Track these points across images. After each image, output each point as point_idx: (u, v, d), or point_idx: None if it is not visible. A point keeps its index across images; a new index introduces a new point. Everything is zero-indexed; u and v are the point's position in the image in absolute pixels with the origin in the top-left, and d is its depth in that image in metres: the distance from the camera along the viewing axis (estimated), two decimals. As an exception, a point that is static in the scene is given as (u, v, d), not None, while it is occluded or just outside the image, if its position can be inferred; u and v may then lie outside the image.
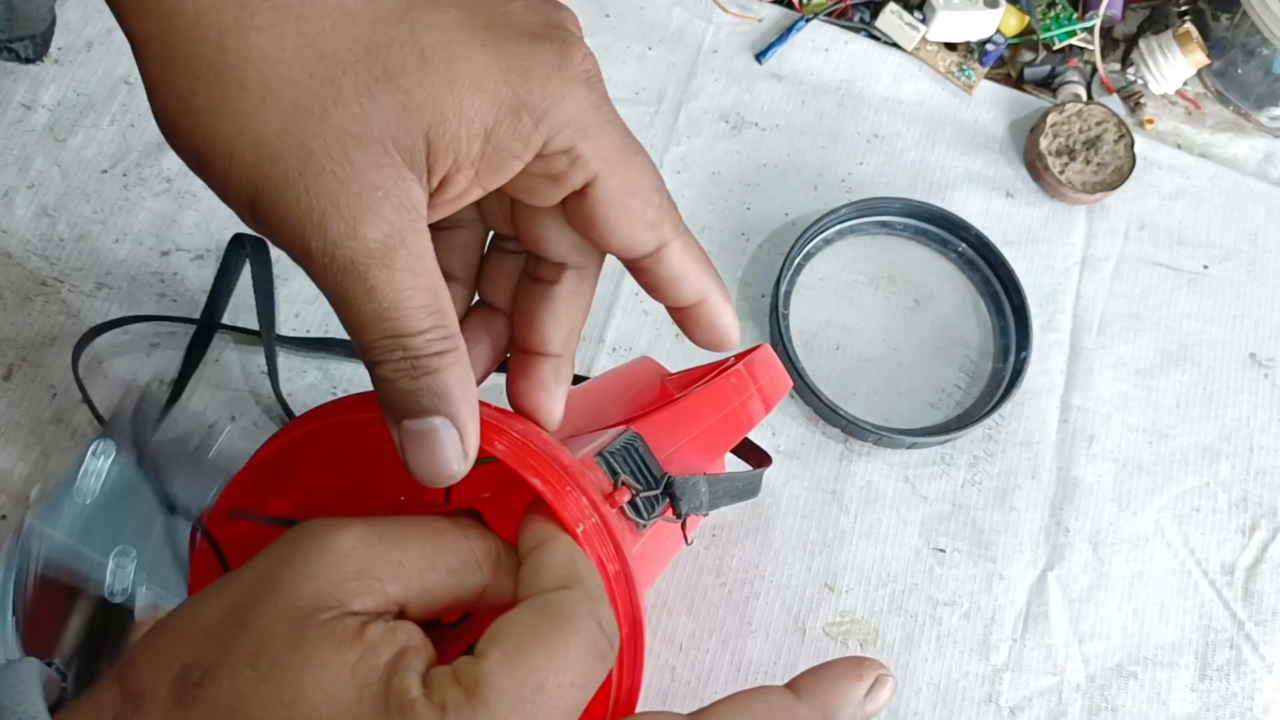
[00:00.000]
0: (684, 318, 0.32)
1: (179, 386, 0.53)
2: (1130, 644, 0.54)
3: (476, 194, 0.28)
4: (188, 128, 0.26)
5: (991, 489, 0.56)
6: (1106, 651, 0.54)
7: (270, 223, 0.26)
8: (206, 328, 0.54)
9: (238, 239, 0.55)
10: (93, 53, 0.60)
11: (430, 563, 0.26)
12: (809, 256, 0.60)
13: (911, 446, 0.56)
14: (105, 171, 0.58)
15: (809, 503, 0.55)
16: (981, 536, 0.55)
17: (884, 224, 0.61)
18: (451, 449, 0.27)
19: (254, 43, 0.24)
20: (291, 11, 0.25)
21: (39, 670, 0.25)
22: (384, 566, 0.25)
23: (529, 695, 0.23)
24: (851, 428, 0.55)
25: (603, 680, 0.26)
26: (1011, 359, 0.58)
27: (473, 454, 0.28)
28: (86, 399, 0.51)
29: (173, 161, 0.58)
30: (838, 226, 0.60)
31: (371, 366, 0.27)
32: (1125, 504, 0.57)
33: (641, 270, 0.31)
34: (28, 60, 0.58)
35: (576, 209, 0.29)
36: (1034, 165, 0.63)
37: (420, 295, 0.26)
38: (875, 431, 0.55)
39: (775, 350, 0.56)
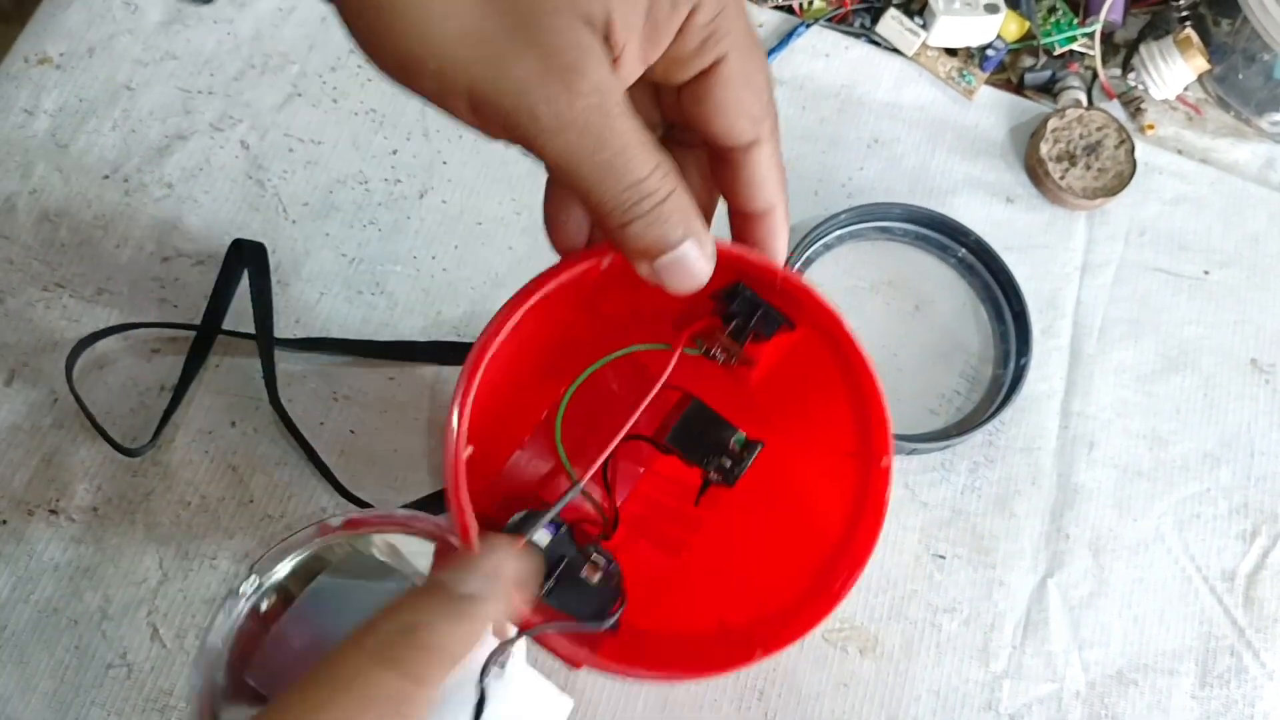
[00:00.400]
0: (745, 227, 0.33)
1: (179, 392, 0.53)
2: (1130, 651, 0.54)
3: (638, 69, 0.30)
4: (395, 43, 0.27)
5: (991, 495, 0.56)
6: (1107, 658, 0.54)
7: (492, 106, 0.27)
8: (206, 333, 0.54)
9: (236, 244, 0.55)
10: (94, 58, 0.60)
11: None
12: (809, 262, 0.60)
13: (911, 452, 0.56)
14: (107, 177, 0.58)
15: (809, 508, 0.55)
16: (981, 543, 0.55)
17: (884, 229, 0.61)
18: (700, 260, 0.30)
19: None
20: None
21: None
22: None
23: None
24: None
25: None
26: (1011, 365, 0.58)
27: (713, 253, 0.31)
28: (82, 407, 0.51)
29: (174, 166, 0.58)
30: (838, 232, 0.60)
31: (621, 228, 0.29)
32: (1126, 510, 0.57)
33: (728, 164, 0.32)
34: (203, 1, 0.59)
35: (692, 91, 0.31)
36: (1034, 171, 0.63)
37: (640, 134, 0.28)
38: None
39: None
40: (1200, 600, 0.55)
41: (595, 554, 0.36)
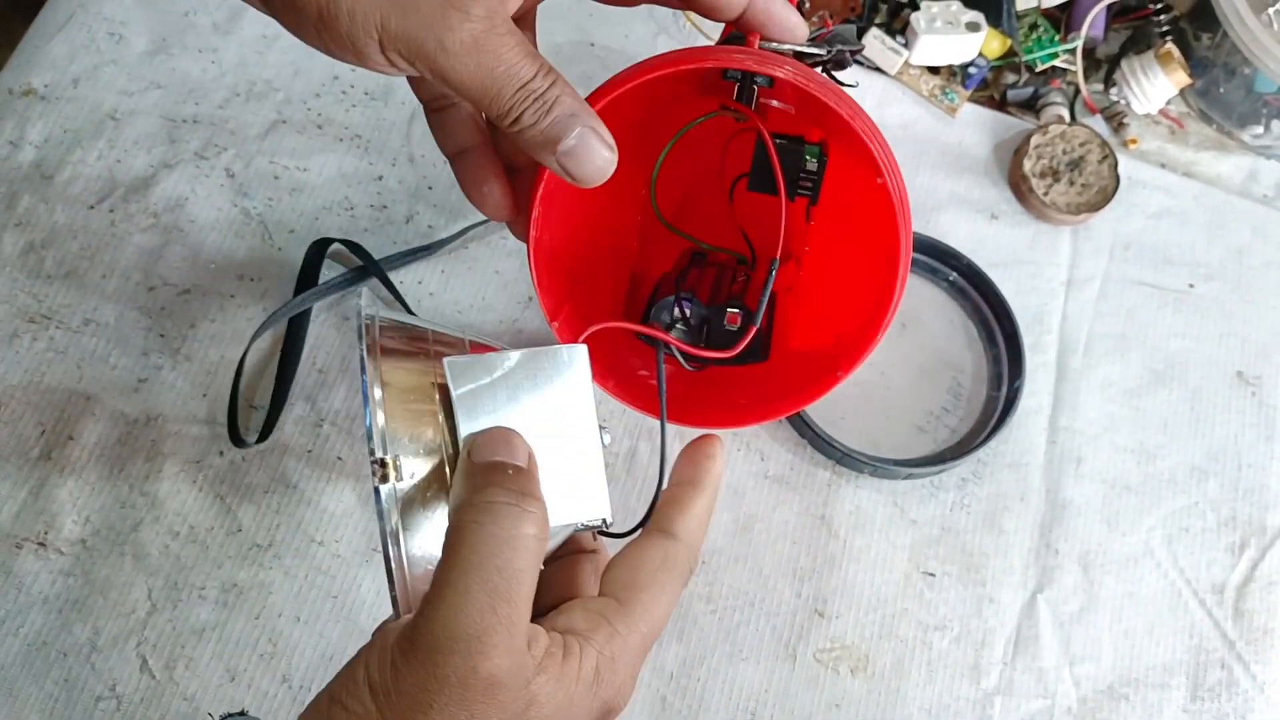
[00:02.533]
0: (752, 24, 0.39)
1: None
2: (1121, 665, 0.54)
3: None
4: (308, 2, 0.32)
5: (980, 512, 0.56)
6: (1098, 673, 0.54)
7: (403, 40, 0.32)
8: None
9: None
10: (79, 89, 0.60)
11: None
12: None
13: (907, 478, 0.56)
14: (92, 207, 0.58)
15: (798, 528, 0.55)
16: (971, 560, 0.55)
17: None
18: (598, 147, 0.35)
19: None
20: None
21: None
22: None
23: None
24: (847, 460, 0.55)
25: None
26: (1004, 388, 0.58)
27: (613, 143, 0.35)
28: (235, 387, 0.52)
29: (160, 195, 0.58)
30: None
31: (515, 124, 0.34)
32: (1114, 525, 0.57)
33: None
34: None
35: None
36: (1018, 187, 0.63)
37: (524, 45, 0.33)
38: (871, 463, 0.55)
39: None
40: (1190, 614, 0.55)
41: (730, 306, 0.46)
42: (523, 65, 0.33)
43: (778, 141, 0.45)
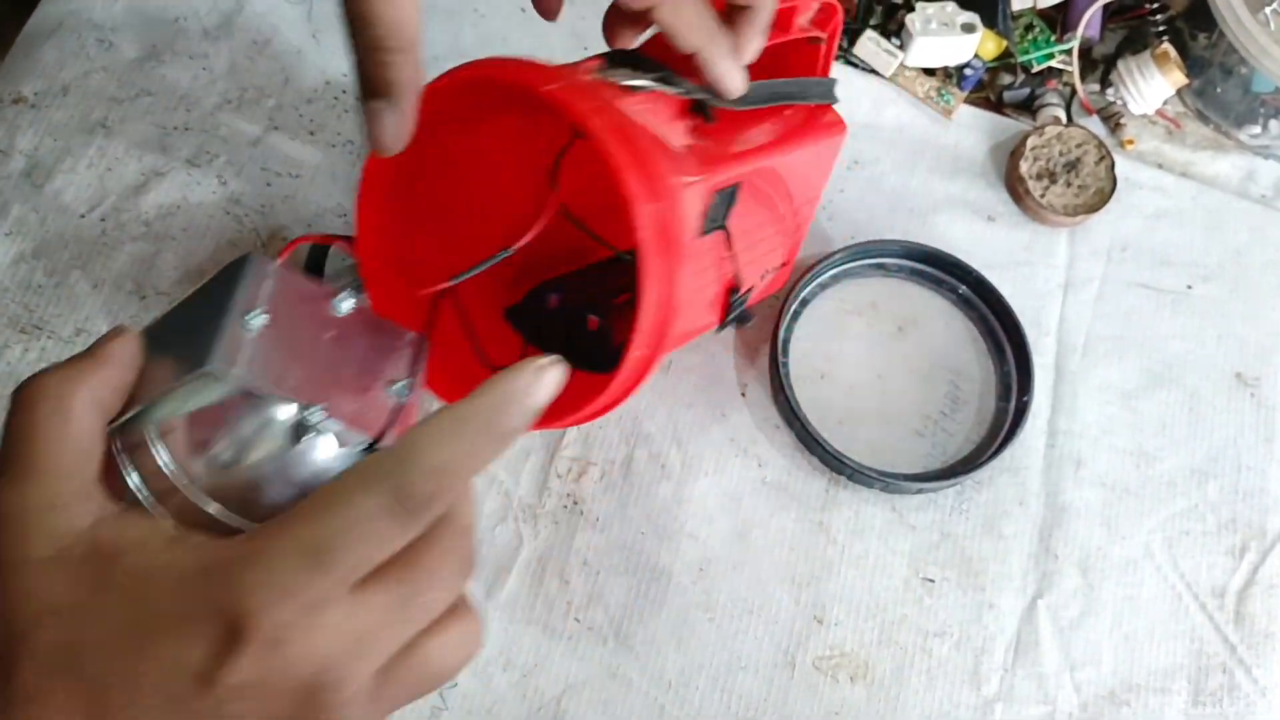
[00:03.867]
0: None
1: None
2: (1122, 670, 0.54)
3: None
4: None
5: (979, 517, 0.56)
6: (1098, 679, 0.53)
7: None
8: None
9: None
10: (69, 97, 0.60)
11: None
12: (805, 302, 0.60)
13: (919, 492, 0.56)
14: (83, 216, 0.57)
15: (796, 534, 0.55)
16: (970, 565, 0.55)
17: (880, 266, 0.61)
18: (395, 125, 0.35)
19: None
20: None
21: None
22: None
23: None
24: (858, 476, 0.55)
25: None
26: (1013, 400, 0.58)
27: (408, 132, 0.36)
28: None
29: (151, 204, 0.58)
30: (833, 271, 0.60)
31: (354, 48, 0.35)
32: (1114, 528, 0.56)
33: (650, 24, 0.42)
34: None
35: None
36: (1015, 189, 0.63)
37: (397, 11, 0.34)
38: (881, 479, 0.55)
39: (776, 399, 0.56)
40: (1191, 618, 0.55)
41: (592, 311, 0.47)
42: (399, 18, 0.34)
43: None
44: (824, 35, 0.50)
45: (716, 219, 0.45)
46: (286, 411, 0.33)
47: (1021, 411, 0.57)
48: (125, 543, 0.29)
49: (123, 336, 0.33)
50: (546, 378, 0.30)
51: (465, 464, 0.29)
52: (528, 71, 0.40)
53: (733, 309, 0.49)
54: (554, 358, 0.30)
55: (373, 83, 0.35)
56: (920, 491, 0.56)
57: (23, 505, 0.29)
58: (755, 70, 0.45)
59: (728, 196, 0.45)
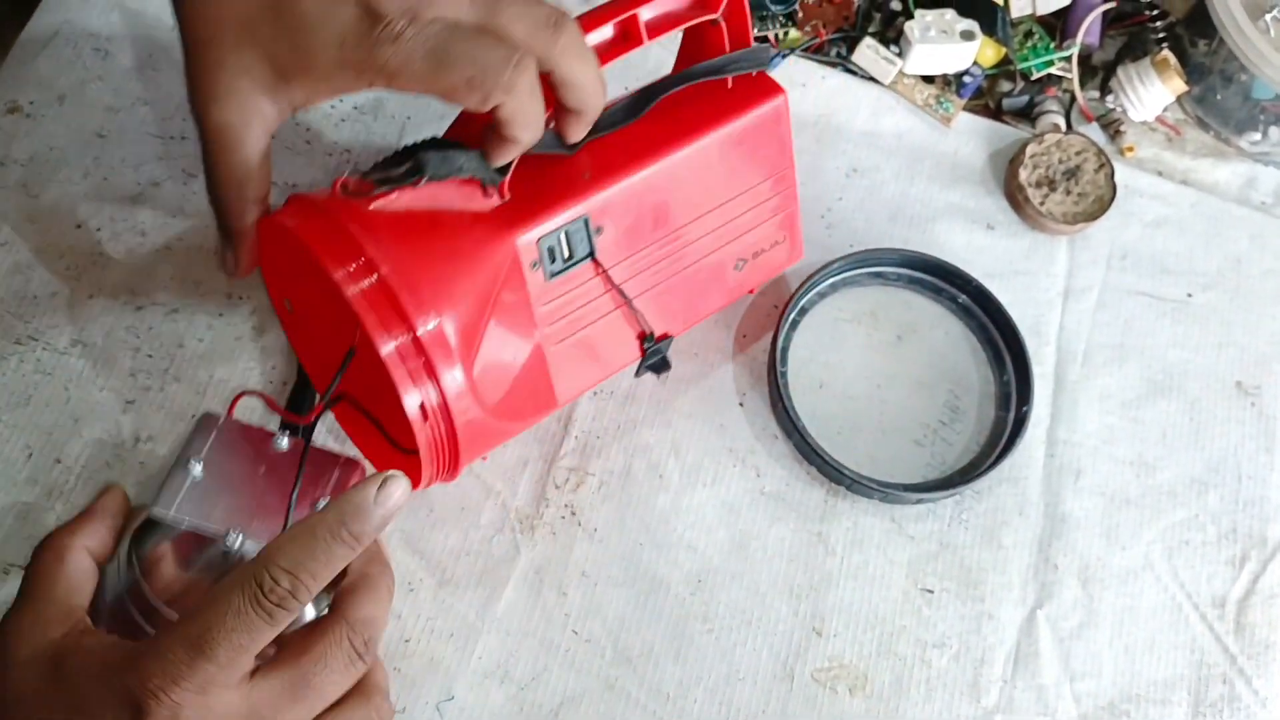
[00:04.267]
0: None
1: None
2: (1122, 682, 0.53)
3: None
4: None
5: (979, 527, 0.56)
6: (1098, 690, 0.53)
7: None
8: None
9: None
10: (65, 106, 0.60)
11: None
12: (804, 311, 0.59)
13: (918, 502, 0.55)
14: (79, 226, 0.57)
15: (795, 545, 0.55)
16: (969, 575, 0.55)
17: (879, 275, 0.60)
18: (233, 261, 0.47)
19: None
20: None
21: None
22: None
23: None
24: (857, 486, 0.55)
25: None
26: (1012, 410, 0.58)
27: (249, 263, 0.47)
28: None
29: (148, 214, 0.58)
30: (832, 280, 0.60)
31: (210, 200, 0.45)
32: (1114, 538, 0.56)
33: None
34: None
35: None
36: (1014, 197, 0.63)
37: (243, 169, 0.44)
38: (880, 489, 0.54)
39: (775, 409, 0.56)
40: (1191, 628, 0.55)
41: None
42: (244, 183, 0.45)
43: None
44: (714, 15, 0.48)
45: (574, 255, 0.47)
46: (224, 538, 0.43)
47: (1021, 421, 0.57)
48: (76, 648, 0.38)
49: (110, 493, 0.45)
50: (389, 489, 0.36)
51: (315, 564, 0.36)
52: (303, 210, 0.44)
53: (648, 341, 0.52)
54: (393, 473, 0.37)
55: (220, 228, 0.46)
56: (920, 502, 0.55)
57: (19, 624, 0.39)
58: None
59: (580, 231, 0.47)
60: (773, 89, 0.51)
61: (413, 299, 0.42)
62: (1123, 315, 0.61)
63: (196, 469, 0.44)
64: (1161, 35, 0.67)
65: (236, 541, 0.43)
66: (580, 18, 0.45)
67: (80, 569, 0.42)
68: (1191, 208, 0.64)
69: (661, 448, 0.56)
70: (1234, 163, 0.66)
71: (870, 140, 0.64)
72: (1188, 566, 0.56)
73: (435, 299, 0.43)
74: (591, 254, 0.48)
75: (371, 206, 0.43)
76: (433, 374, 0.43)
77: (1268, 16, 0.62)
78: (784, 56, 0.65)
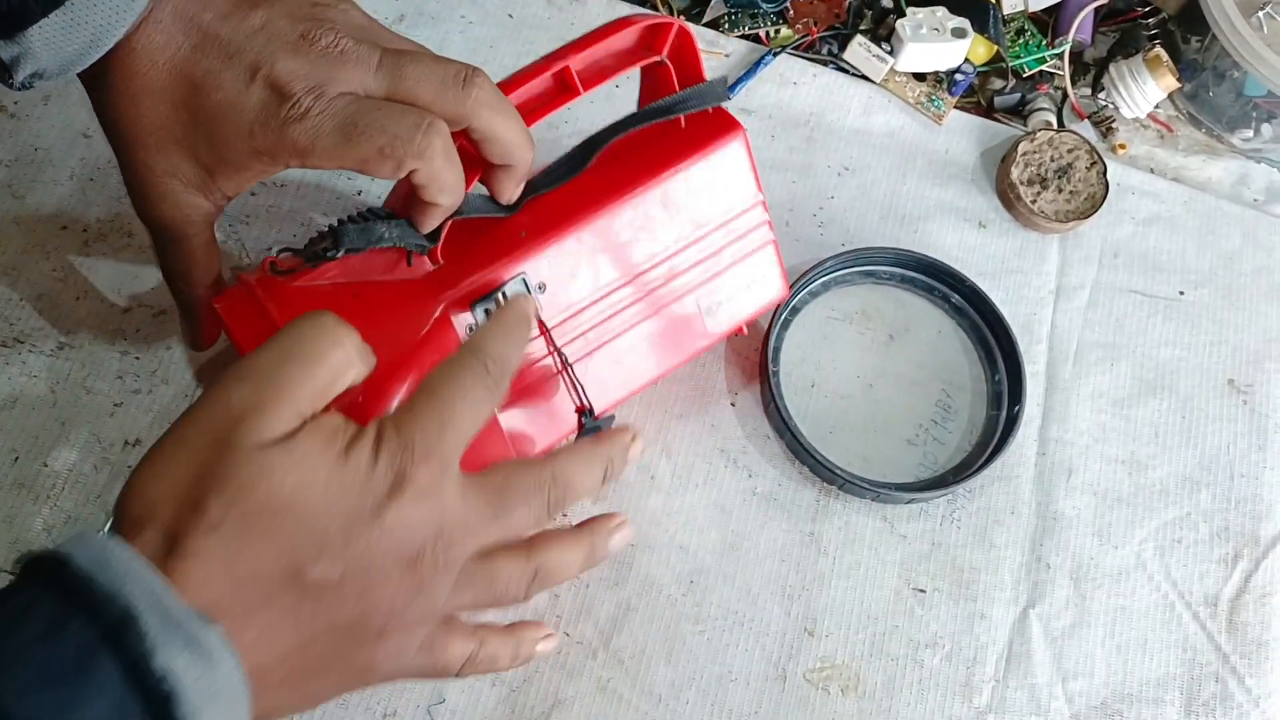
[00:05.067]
0: None
1: None
2: (1115, 681, 0.53)
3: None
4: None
5: (970, 526, 0.56)
6: (1091, 690, 0.53)
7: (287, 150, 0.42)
8: None
9: None
10: (50, 106, 0.59)
11: (326, 381, 0.36)
12: (796, 311, 0.59)
13: (910, 502, 0.55)
14: (65, 228, 0.57)
15: (787, 545, 0.54)
16: (961, 575, 0.55)
17: (871, 274, 0.60)
18: (192, 334, 0.48)
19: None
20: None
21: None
22: (299, 403, 0.35)
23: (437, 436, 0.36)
24: (850, 486, 0.55)
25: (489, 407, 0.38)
26: (1004, 410, 0.58)
27: (207, 338, 0.48)
28: None
29: (134, 215, 0.57)
30: (824, 279, 0.59)
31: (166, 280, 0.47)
32: (1106, 537, 0.56)
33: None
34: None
35: None
36: (1006, 195, 0.63)
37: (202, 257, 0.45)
38: (873, 489, 0.54)
39: (767, 409, 0.56)
40: (1183, 627, 0.55)
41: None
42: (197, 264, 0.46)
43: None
44: (659, 58, 0.46)
45: None
46: None
47: (1013, 421, 0.56)
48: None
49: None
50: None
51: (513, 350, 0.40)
52: (234, 292, 0.44)
53: (586, 416, 0.49)
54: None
55: (179, 307, 0.48)
56: (912, 501, 0.55)
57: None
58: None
59: (519, 290, 0.45)
60: (730, 125, 0.49)
61: None
62: (1115, 313, 0.61)
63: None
64: (1154, 32, 0.66)
65: None
66: (516, 73, 0.44)
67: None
68: (1184, 205, 0.64)
69: (653, 448, 0.55)
70: (1226, 160, 0.66)
71: (862, 138, 0.64)
72: (1180, 565, 0.56)
73: None
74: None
75: (297, 284, 0.43)
76: None
77: (1260, 13, 0.61)
78: (775, 55, 0.65)
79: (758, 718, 0.51)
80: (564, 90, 0.45)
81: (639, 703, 0.51)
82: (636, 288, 0.49)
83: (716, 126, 0.49)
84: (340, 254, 0.43)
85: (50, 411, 0.53)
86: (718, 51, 0.65)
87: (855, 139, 0.64)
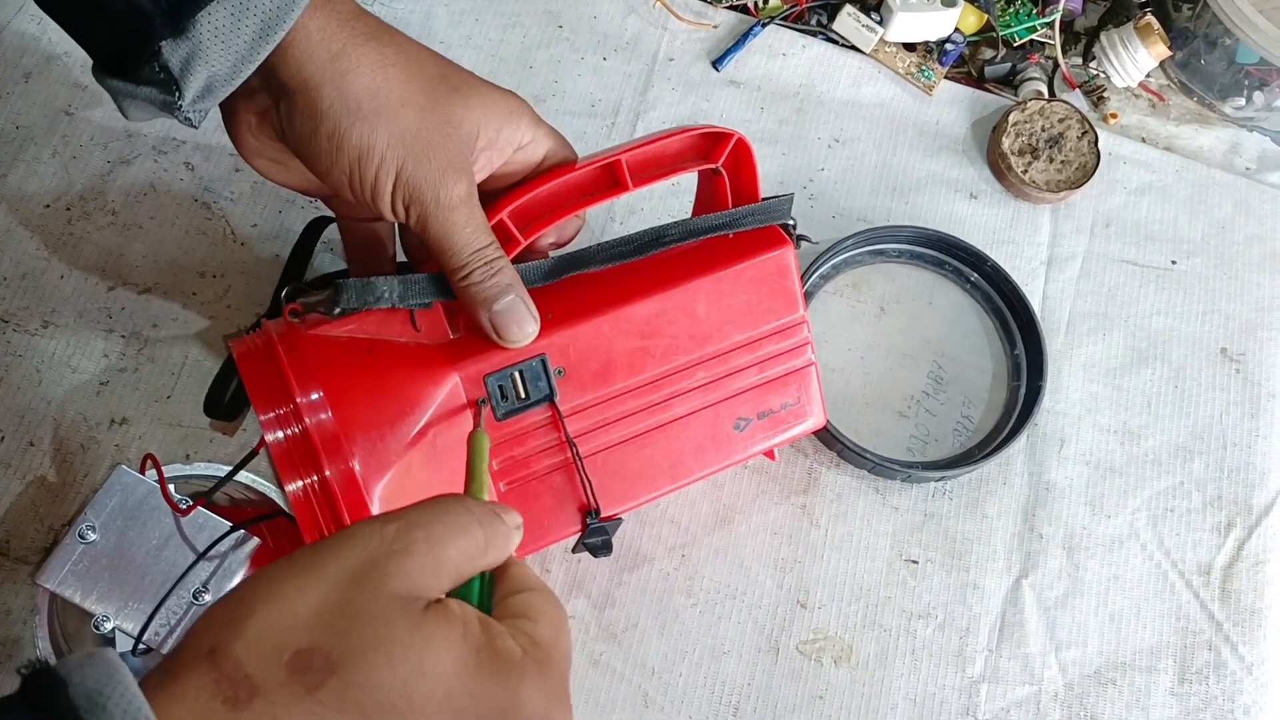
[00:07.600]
0: None
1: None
2: (1108, 650, 0.53)
3: (483, 176, 0.43)
4: (347, 144, 0.39)
5: (963, 497, 0.56)
6: (1084, 659, 0.53)
7: (411, 188, 0.40)
8: None
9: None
10: (31, 84, 0.58)
11: (465, 556, 0.31)
12: (809, 297, 0.58)
13: (940, 480, 0.55)
14: (48, 206, 0.56)
15: (779, 518, 0.54)
16: (954, 546, 0.55)
17: (880, 251, 0.60)
18: (527, 313, 0.42)
19: (371, 84, 0.40)
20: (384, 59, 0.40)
21: (120, 661, 0.26)
22: (444, 565, 0.30)
23: (556, 639, 0.32)
24: (880, 469, 0.54)
25: None
26: (1024, 384, 0.57)
27: (538, 316, 0.43)
28: None
29: (118, 192, 0.57)
30: (835, 260, 0.59)
31: (463, 280, 0.41)
32: (1098, 507, 0.56)
33: None
34: None
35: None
36: (997, 165, 0.62)
37: (483, 217, 0.42)
38: (904, 470, 0.54)
39: None
40: (1176, 595, 0.55)
41: None
42: (482, 232, 0.41)
43: None
44: (714, 165, 0.45)
45: (530, 396, 0.44)
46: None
47: (1035, 394, 0.56)
48: None
49: None
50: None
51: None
52: (253, 338, 0.42)
53: (591, 516, 0.46)
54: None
55: (488, 290, 0.42)
56: (943, 479, 0.55)
57: None
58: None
59: (536, 371, 0.44)
60: (778, 239, 0.47)
61: (326, 444, 0.40)
62: (1107, 283, 0.61)
63: (90, 536, 0.43)
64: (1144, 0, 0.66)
65: (107, 626, 0.42)
66: (580, 161, 0.44)
67: None
68: (1175, 174, 0.64)
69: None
70: (1218, 128, 0.66)
71: (852, 110, 0.63)
72: (1173, 534, 0.56)
73: (350, 439, 0.40)
74: (550, 397, 0.44)
75: (313, 331, 0.41)
76: (338, 512, 0.40)
77: (1251, -21, 0.61)
78: (764, 26, 0.64)
79: (751, 690, 0.51)
80: (613, 185, 0.44)
81: (632, 676, 0.51)
82: (662, 389, 0.46)
83: (765, 238, 0.47)
84: (336, 313, 0.41)
85: (36, 391, 0.52)
86: (706, 23, 0.64)
87: (845, 110, 0.63)
